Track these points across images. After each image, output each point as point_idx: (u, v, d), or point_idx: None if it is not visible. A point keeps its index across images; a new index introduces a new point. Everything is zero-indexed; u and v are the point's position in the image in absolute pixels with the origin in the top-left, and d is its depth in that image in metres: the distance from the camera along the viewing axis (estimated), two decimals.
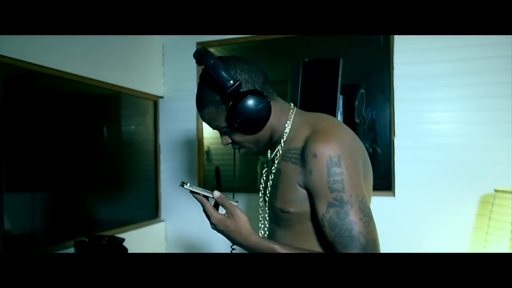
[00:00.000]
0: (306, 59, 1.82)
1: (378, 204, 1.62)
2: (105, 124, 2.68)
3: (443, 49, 2.24)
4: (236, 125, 0.91)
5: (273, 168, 0.99)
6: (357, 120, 1.82)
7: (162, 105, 2.97)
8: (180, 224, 2.90)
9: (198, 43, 2.83)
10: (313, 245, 0.92)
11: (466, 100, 2.22)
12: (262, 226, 1.08)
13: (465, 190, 2.19)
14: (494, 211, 1.91)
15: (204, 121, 0.98)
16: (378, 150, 2.51)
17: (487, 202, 2.11)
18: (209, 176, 2.97)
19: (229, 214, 0.89)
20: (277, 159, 0.98)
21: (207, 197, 0.91)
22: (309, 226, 0.92)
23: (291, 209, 0.91)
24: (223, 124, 0.95)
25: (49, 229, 2.18)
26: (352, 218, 0.80)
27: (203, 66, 0.90)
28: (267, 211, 1.05)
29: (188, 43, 2.85)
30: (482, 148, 2.17)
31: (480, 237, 2.10)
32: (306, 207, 0.90)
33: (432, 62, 2.27)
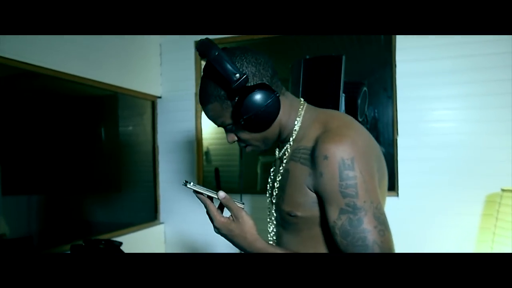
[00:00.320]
0: (308, 57, 1.77)
1: None
2: (103, 125, 2.64)
3: (444, 45, 2.21)
4: (242, 122, 0.85)
5: (280, 168, 0.93)
6: (359, 119, 1.78)
7: (160, 105, 2.93)
8: (180, 226, 2.85)
9: (196, 42, 2.78)
10: (322, 252, 0.87)
11: (468, 98, 2.18)
12: (270, 229, 1.03)
13: (470, 189, 2.15)
14: (501, 211, 1.87)
15: (208, 118, 0.92)
16: (382, 149, 2.47)
17: (493, 202, 2.06)
18: (208, 177, 2.93)
19: (234, 217, 0.84)
20: (285, 158, 0.92)
21: (211, 198, 0.86)
22: (317, 231, 0.86)
23: (298, 213, 0.86)
24: (229, 121, 0.89)
25: (45, 232, 2.14)
26: (366, 226, 0.74)
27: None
28: (274, 213, 0.99)
29: (186, 42, 2.80)
30: (485, 147, 2.13)
31: (486, 237, 2.06)
32: (315, 211, 0.84)
33: (434, 59, 2.24)
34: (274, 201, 0.96)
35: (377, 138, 2.51)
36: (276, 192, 0.93)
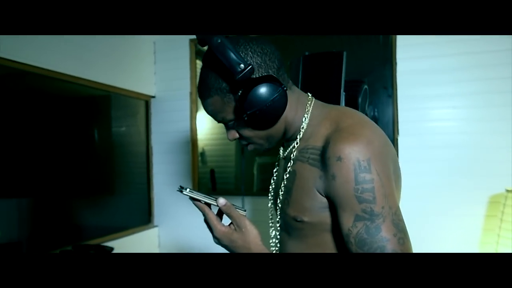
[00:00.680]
0: (307, 53, 1.72)
1: None
2: (95, 126, 2.56)
3: (446, 42, 2.17)
4: (245, 118, 0.76)
5: (288, 169, 0.85)
6: None
7: (154, 105, 2.86)
8: (175, 229, 2.78)
9: (191, 40, 2.72)
10: None
11: (470, 96, 2.13)
12: (272, 234, 0.95)
13: (472, 190, 2.10)
14: (506, 212, 1.82)
15: (208, 113, 0.84)
16: None
17: (497, 203, 2.01)
18: (204, 178, 2.86)
19: (236, 226, 0.77)
20: (291, 158, 0.84)
21: (209, 205, 0.79)
22: (325, 238, 0.79)
23: (305, 218, 0.78)
24: (230, 116, 0.81)
25: (36, 237, 2.06)
26: (384, 234, 0.67)
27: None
28: (278, 218, 0.92)
29: (180, 41, 2.73)
30: (489, 146, 2.09)
31: (490, 239, 2.01)
32: (323, 217, 0.77)
33: (435, 56, 2.19)
34: (278, 205, 0.89)
35: None
36: (281, 195, 0.86)
